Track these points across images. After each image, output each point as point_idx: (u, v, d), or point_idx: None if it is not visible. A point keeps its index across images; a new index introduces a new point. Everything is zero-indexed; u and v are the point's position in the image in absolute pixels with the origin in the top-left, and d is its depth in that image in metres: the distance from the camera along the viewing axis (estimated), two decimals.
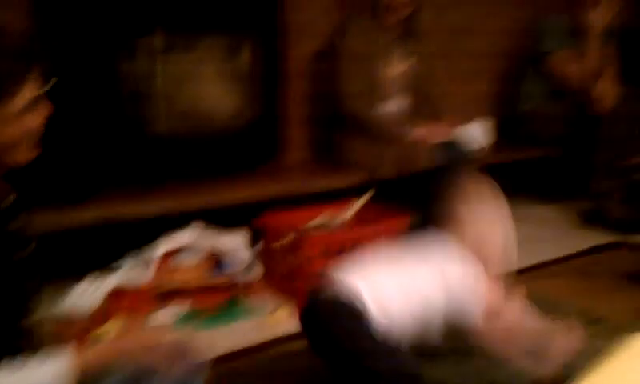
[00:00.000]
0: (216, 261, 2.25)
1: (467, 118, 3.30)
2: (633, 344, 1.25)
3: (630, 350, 1.23)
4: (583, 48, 3.38)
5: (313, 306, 1.54)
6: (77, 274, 1.99)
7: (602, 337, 1.96)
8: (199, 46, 2.72)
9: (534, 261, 2.71)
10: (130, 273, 2.12)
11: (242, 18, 2.81)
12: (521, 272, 2.55)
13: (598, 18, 3.35)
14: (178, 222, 2.29)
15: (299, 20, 3.08)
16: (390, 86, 2.88)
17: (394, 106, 2.90)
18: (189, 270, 2.21)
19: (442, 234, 1.60)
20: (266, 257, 2.49)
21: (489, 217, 1.59)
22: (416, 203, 2.73)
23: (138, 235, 2.27)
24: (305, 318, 1.56)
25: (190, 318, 2.15)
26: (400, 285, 1.52)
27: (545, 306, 2.22)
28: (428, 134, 2.74)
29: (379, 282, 1.51)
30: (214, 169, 2.74)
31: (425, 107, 3.03)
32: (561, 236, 3.10)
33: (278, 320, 2.13)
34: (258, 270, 2.25)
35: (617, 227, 3.12)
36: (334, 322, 1.45)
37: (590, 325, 2.07)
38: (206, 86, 2.78)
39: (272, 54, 3.04)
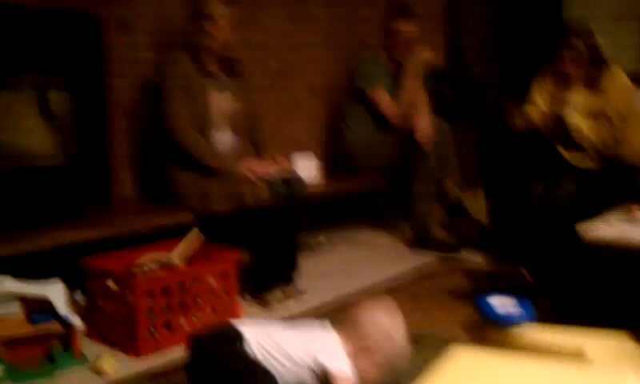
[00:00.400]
0: (33, 311, 2.08)
1: (295, 154, 3.40)
2: (452, 355, 1.31)
3: (449, 361, 1.28)
4: (399, 86, 3.58)
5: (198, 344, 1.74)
6: None
7: (427, 352, 2.06)
8: (15, 85, 2.56)
9: (362, 284, 2.78)
10: None
11: (63, 56, 2.70)
12: (348, 296, 2.65)
13: (413, 59, 3.56)
14: None
15: (121, 56, 3.02)
16: (215, 120, 2.86)
17: (220, 140, 2.88)
18: (4, 320, 2.03)
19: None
20: (88, 303, 2.37)
21: (383, 328, 1.71)
22: (247, 240, 2.74)
23: None
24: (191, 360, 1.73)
25: (7, 373, 1.98)
26: (280, 334, 1.73)
27: None
28: (257, 168, 2.74)
29: (262, 328, 1.74)
30: (33, 213, 2.54)
31: (253, 144, 3.04)
32: (389, 259, 3.23)
33: (103, 369, 2.01)
34: (79, 319, 2.11)
35: (438, 249, 3.31)
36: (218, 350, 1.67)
37: (415, 341, 2.16)
38: (20, 125, 2.61)
39: (94, 91, 2.93)
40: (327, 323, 1.78)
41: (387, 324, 1.71)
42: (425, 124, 3.41)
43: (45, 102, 2.61)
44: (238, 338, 1.66)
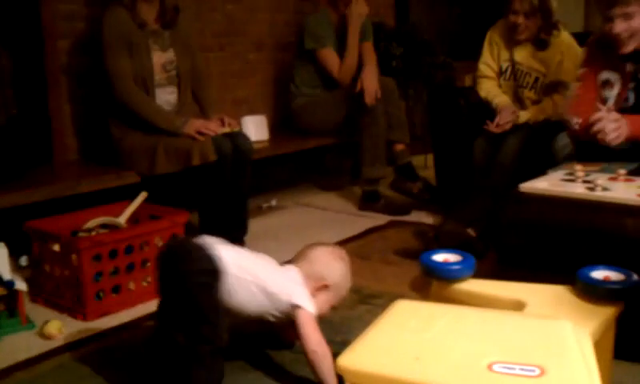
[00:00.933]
0: None
1: (244, 117, 3.38)
2: (394, 307, 1.34)
3: (391, 312, 1.31)
4: (345, 43, 3.57)
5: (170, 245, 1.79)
6: None
7: (376, 310, 2.10)
8: None
9: None
10: None
11: None
12: None
13: (356, 13, 3.55)
14: None
15: (57, 12, 2.94)
16: (158, 78, 2.81)
17: (164, 99, 2.83)
18: None
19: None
20: (34, 267, 2.33)
21: (341, 270, 1.78)
22: (195, 201, 2.72)
23: None
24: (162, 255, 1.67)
25: None
26: (249, 259, 1.74)
27: None
28: (205, 129, 2.71)
29: (233, 251, 1.72)
30: None
31: (199, 103, 3.00)
32: (339, 221, 3.26)
33: (50, 333, 1.99)
34: (24, 283, 2.07)
35: (388, 210, 3.35)
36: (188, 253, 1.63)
37: (365, 301, 2.20)
38: None
39: (32, 50, 2.85)
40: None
41: (344, 267, 1.79)
42: (371, 82, 3.41)
43: None
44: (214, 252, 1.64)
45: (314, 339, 1.60)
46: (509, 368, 1.08)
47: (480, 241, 2.54)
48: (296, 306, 1.65)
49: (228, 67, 3.72)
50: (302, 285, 1.71)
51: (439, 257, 1.63)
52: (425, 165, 4.13)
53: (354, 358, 1.16)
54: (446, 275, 1.60)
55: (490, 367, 1.09)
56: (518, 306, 1.44)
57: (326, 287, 1.74)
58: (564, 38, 2.99)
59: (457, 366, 1.11)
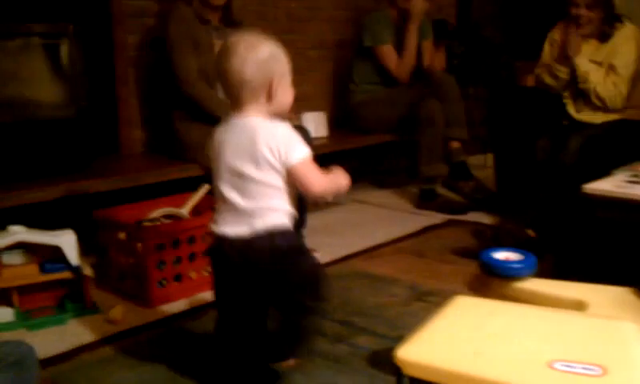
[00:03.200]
0: (45, 260, 2.12)
1: (304, 113, 3.41)
2: (453, 303, 1.33)
3: (450, 308, 1.31)
4: (405, 40, 3.57)
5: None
6: None
7: (432, 307, 2.10)
8: (24, 35, 2.55)
9: (369, 243, 2.81)
10: None
11: (72, 5, 2.69)
12: (356, 254, 2.68)
13: (416, 10, 3.54)
14: (6, 219, 2.14)
15: (127, 6, 3.02)
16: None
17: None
18: (17, 269, 2.07)
19: None
20: (100, 255, 2.41)
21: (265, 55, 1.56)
22: None
23: None
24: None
25: (20, 321, 2.04)
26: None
27: (376, 282, 2.35)
28: None
29: None
30: (43, 164, 2.57)
31: None
32: (395, 219, 3.26)
33: (113, 318, 2.05)
34: (90, 268, 2.15)
35: (445, 209, 3.32)
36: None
37: (421, 298, 2.20)
38: (30, 76, 2.61)
39: (102, 42, 2.95)
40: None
41: (265, 49, 1.55)
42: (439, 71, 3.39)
43: (55, 52, 2.61)
44: None
45: (316, 184, 1.53)
46: (570, 366, 1.07)
47: (539, 241, 2.50)
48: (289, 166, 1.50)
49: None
50: (274, 128, 1.51)
51: (500, 255, 1.61)
52: (484, 164, 4.08)
53: (413, 350, 1.16)
54: (506, 273, 1.58)
55: (550, 365, 1.08)
56: (579, 306, 1.42)
57: (277, 88, 1.54)
58: (629, 28, 2.92)
59: (517, 362, 1.10)
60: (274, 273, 1.51)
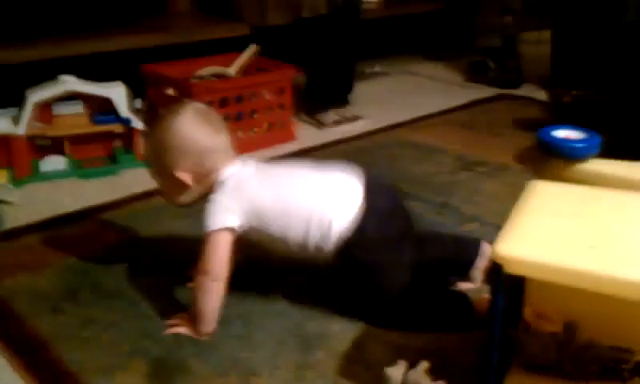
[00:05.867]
0: (96, 111, 2.14)
1: None
2: (534, 189, 1.17)
3: (534, 196, 1.15)
4: None
5: None
6: None
7: (479, 178, 2.08)
8: None
9: (417, 114, 2.77)
10: (5, 122, 2.00)
11: None
12: (403, 124, 2.65)
13: None
14: (57, 69, 2.14)
15: None
16: None
17: None
18: (69, 119, 2.10)
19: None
20: (148, 110, 2.42)
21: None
22: (304, 56, 2.71)
23: (15, 82, 2.13)
24: None
25: (71, 168, 2.09)
26: None
27: (422, 151, 2.32)
28: None
29: None
30: (96, 17, 2.56)
31: None
32: (444, 91, 3.18)
33: None
34: (140, 121, 2.17)
35: (496, 82, 3.22)
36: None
37: (468, 167, 2.17)
38: None
39: None
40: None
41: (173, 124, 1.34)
42: None
43: None
44: None
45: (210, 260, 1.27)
46: None
47: (602, 114, 2.32)
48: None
49: None
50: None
51: (560, 133, 1.49)
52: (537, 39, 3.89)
53: (515, 246, 0.99)
54: (568, 153, 1.46)
55: None
56: None
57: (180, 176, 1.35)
58: None
59: (637, 255, 0.96)
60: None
